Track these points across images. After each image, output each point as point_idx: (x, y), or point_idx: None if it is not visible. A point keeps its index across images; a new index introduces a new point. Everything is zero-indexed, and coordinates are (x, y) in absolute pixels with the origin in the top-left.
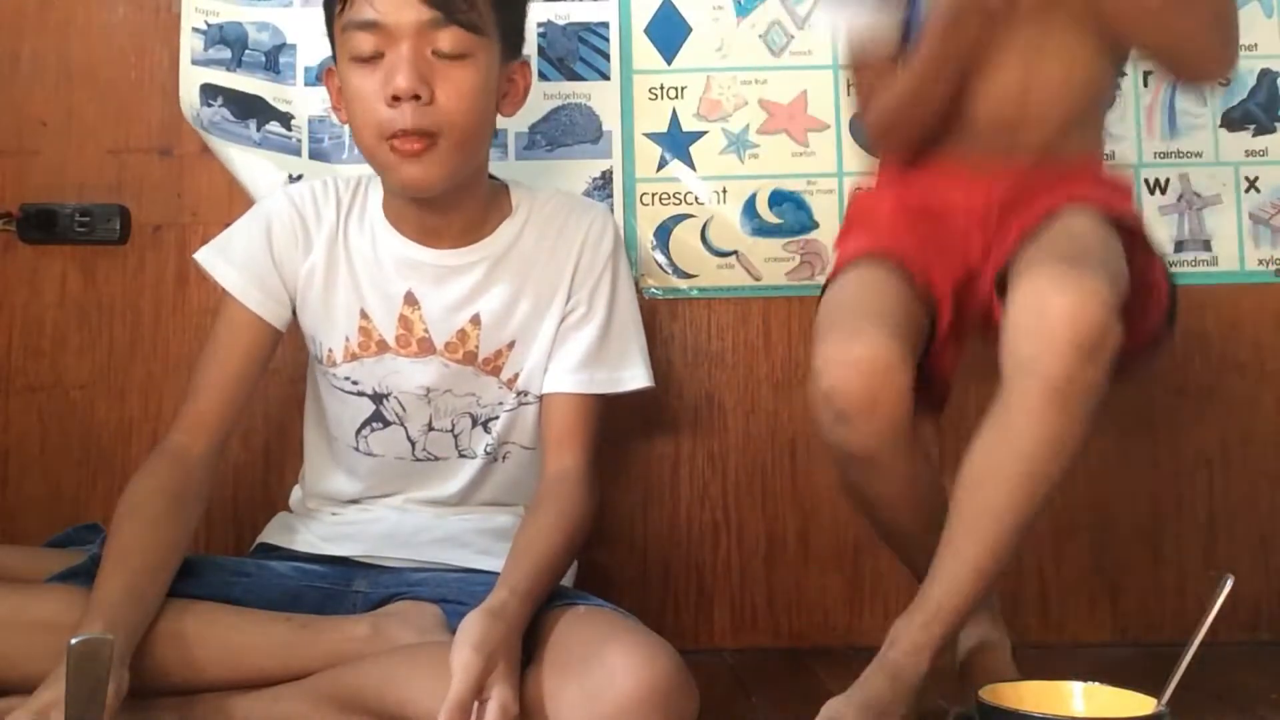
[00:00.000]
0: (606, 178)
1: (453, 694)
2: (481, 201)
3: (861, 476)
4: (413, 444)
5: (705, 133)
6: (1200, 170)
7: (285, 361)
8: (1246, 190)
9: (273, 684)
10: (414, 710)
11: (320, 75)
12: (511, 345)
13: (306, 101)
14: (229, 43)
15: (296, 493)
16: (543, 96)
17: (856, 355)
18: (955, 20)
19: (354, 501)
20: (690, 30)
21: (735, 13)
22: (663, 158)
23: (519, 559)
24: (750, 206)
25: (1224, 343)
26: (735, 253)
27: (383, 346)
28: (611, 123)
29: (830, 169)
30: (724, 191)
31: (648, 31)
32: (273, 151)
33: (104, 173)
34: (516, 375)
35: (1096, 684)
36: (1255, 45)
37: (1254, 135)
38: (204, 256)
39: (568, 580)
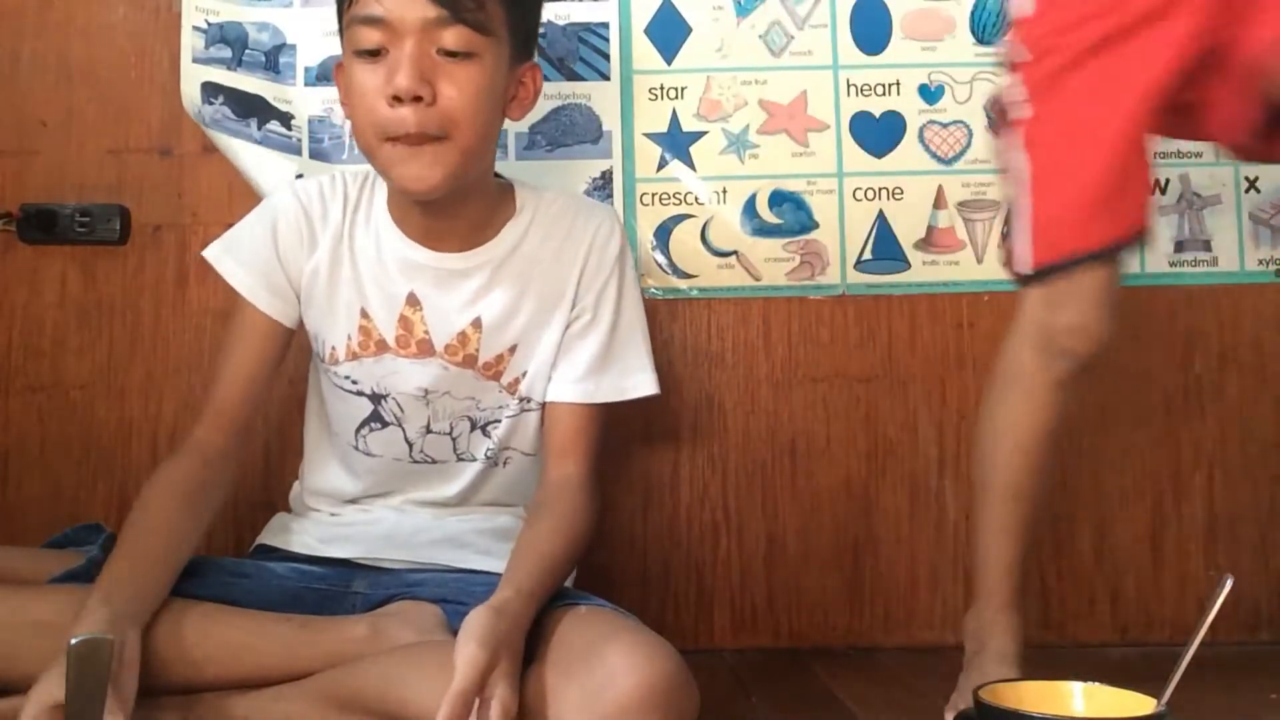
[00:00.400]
0: (606, 178)
1: (455, 687)
2: (486, 204)
3: (1049, 393)
4: (410, 445)
5: (705, 133)
6: (1200, 170)
7: (286, 362)
8: (1246, 190)
9: (272, 684)
10: (414, 710)
11: (322, 74)
12: (513, 349)
13: (306, 101)
14: (229, 42)
15: (296, 489)
16: (543, 96)
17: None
18: None
19: (353, 501)
20: (690, 30)
21: (735, 13)
22: (663, 158)
23: (522, 559)
24: (750, 206)
25: (1224, 343)
26: (735, 253)
27: (382, 346)
28: (611, 123)
29: (830, 169)
30: (724, 191)
31: (648, 32)
32: (273, 151)
33: (104, 173)
34: (518, 380)
35: (1096, 684)
36: None
37: None
38: (213, 254)
39: (568, 581)
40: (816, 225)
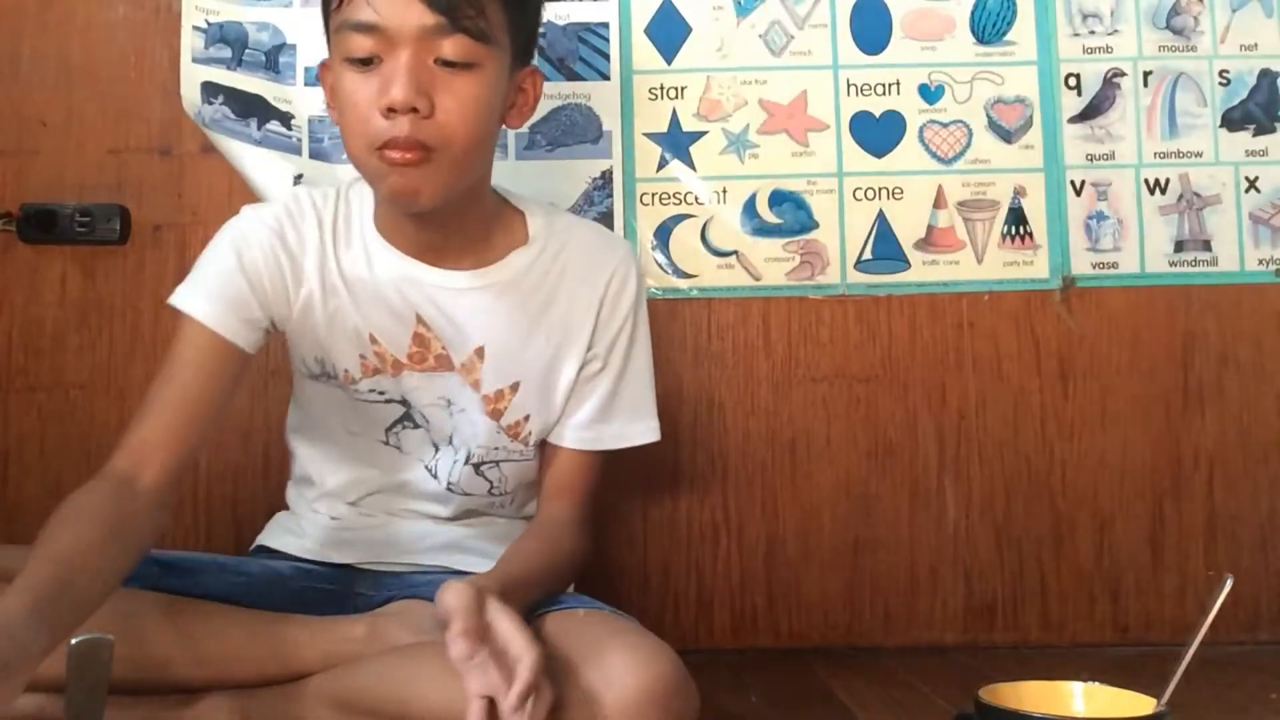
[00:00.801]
0: (606, 178)
1: (455, 627)
2: (485, 219)
3: None
4: (436, 447)
5: (705, 133)
6: (1200, 170)
7: (285, 361)
8: (1246, 190)
9: (271, 683)
10: (415, 710)
11: (319, 74)
12: (515, 387)
13: (306, 101)
14: (229, 42)
15: (292, 490)
16: (543, 96)
17: None
18: None
19: (353, 504)
20: (690, 30)
21: (735, 13)
22: (663, 158)
23: (504, 565)
24: (750, 206)
25: (1224, 343)
26: (735, 253)
27: (399, 366)
28: (611, 123)
29: (830, 169)
30: (724, 191)
31: (648, 31)
32: (273, 151)
33: (104, 173)
34: (519, 424)
35: (1096, 684)
36: (1255, 45)
37: (1254, 135)
38: (182, 301)
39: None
40: (816, 225)
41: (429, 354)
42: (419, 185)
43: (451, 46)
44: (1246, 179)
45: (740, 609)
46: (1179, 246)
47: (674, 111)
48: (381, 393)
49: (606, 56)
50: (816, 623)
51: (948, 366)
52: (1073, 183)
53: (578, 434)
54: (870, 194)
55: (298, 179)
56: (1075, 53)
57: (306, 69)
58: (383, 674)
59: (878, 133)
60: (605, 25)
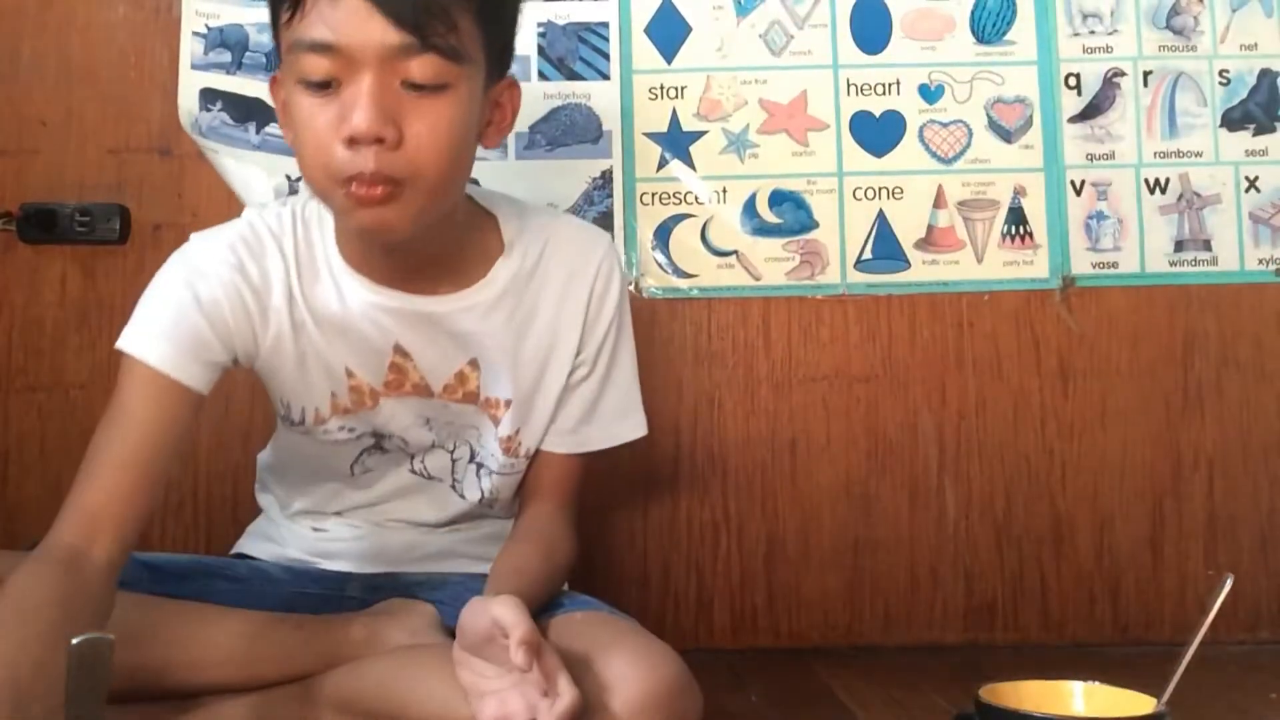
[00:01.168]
0: (606, 178)
1: (517, 635)
2: (459, 238)
3: None
4: (411, 458)
5: (705, 133)
6: (1200, 170)
7: None
8: (1246, 190)
9: (269, 686)
10: (414, 713)
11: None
12: (509, 403)
13: None
14: (229, 45)
15: (264, 497)
16: (543, 96)
17: None
18: None
19: (337, 514)
20: (690, 30)
21: (735, 13)
22: (663, 157)
23: (500, 578)
24: (750, 206)
25: (1224, 343)
26: (735, 252)
27: (375, 396)
28: (611, 123)
29: (830, 169)
30: (724, 191)
31: (648, 31)
32: (272, 154)
33: (104, 172)
34: (514, 437)
35: (1096, 684)
36: (1255, 45)
37: (1254, 135)
38: (132, 344)
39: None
40: (816, 225)
41: (406, 381)
42: (390, 221)
43: (420, 68)
44: (1246, 179)
45: (740, 609)
46: (1179, 246)
47: (674, 111)
48: (351, 429)
49: (606, 56)
50: (816, 622)
51: (948, 366)
52: (1073, 182)
53: (564, 439)
54: (870, 194)
55: (294, 187)
56: (1075, 52)
57: None
58: (383, 677)
59: (878, 132)
60: (605, 25)
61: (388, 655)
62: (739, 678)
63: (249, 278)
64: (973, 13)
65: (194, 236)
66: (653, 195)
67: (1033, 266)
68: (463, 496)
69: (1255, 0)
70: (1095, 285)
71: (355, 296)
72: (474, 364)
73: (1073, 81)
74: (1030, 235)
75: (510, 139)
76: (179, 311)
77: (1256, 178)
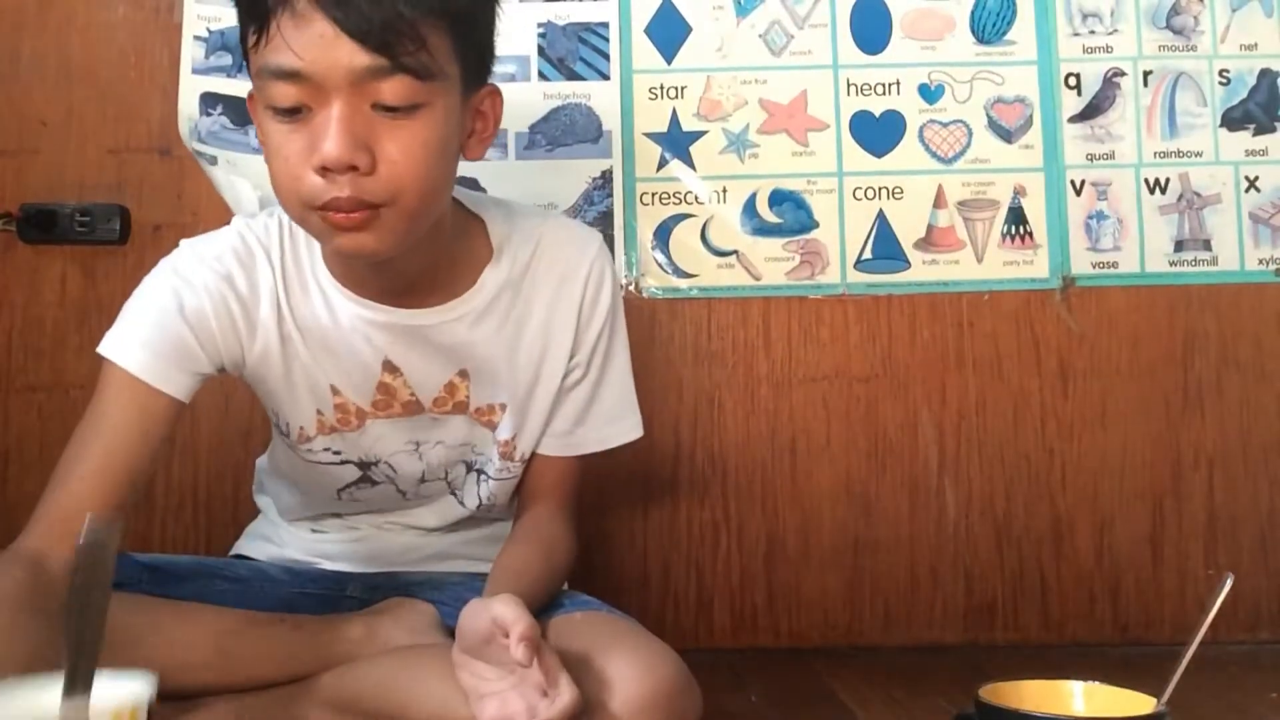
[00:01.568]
0: (606, 178)
1: (518, 630)
2: (446, 245)
3: None
4: (403, 494)
5: (705, 133)
6: (1200, 170)
7: None
8: (1246, 190)
9: (270, 686)
10: (414, 713)
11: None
12: (504, 406)
13: None
14: (231, 48)
15: (262, 499)
16: (543, 96)
17: None
18: None
19: (336, 516)
20: (690, 30)
21: (735, 13)
22: (663, 158)
23: (499, 580)
24: (750, 206)
25: (1224, 343)
26: (735, 252)
27: (363, 416)
28: (611, 123)
29: (830, 169)
30: (724, 191)
31: (648, 31)
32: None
33: (104, 173)
34: (511, 441)
35: (1096, 684)
36: (1255, 45)
37: (1254, 135)
38: (113, 350)
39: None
40: (816, 225)
41: (394, 401)
42: (370, 246)
43: (391, 89)
44: (1246, 179)
45: (740, 608)
46: (1179, 246)
47: (674, 111)
48: (337, 453)
49: (606, 56)
50: (816, 622)
51: (948, 366)
52: (1073, 182)
53: (559, 441)
54: (870, 194)
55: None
56: (1075, 52)
57: None
58: (383, 677)
59: (878, 132)
60: (605, 25)
61: (387, 655)
62: (739, 678)
63: (237, 288)
64: (973, 13)
65: (183, 243)
66: (653, 195)
67: (1033, 266)
68: (462, 504)
69: (1255, 0)
70: (1095, 285)
71: (344, 311)
72: (464, 374)
73: (1073, 81)
74: (1030, 235)
75: (510, 139)
76: (162, 319)
77: (1256, 178)
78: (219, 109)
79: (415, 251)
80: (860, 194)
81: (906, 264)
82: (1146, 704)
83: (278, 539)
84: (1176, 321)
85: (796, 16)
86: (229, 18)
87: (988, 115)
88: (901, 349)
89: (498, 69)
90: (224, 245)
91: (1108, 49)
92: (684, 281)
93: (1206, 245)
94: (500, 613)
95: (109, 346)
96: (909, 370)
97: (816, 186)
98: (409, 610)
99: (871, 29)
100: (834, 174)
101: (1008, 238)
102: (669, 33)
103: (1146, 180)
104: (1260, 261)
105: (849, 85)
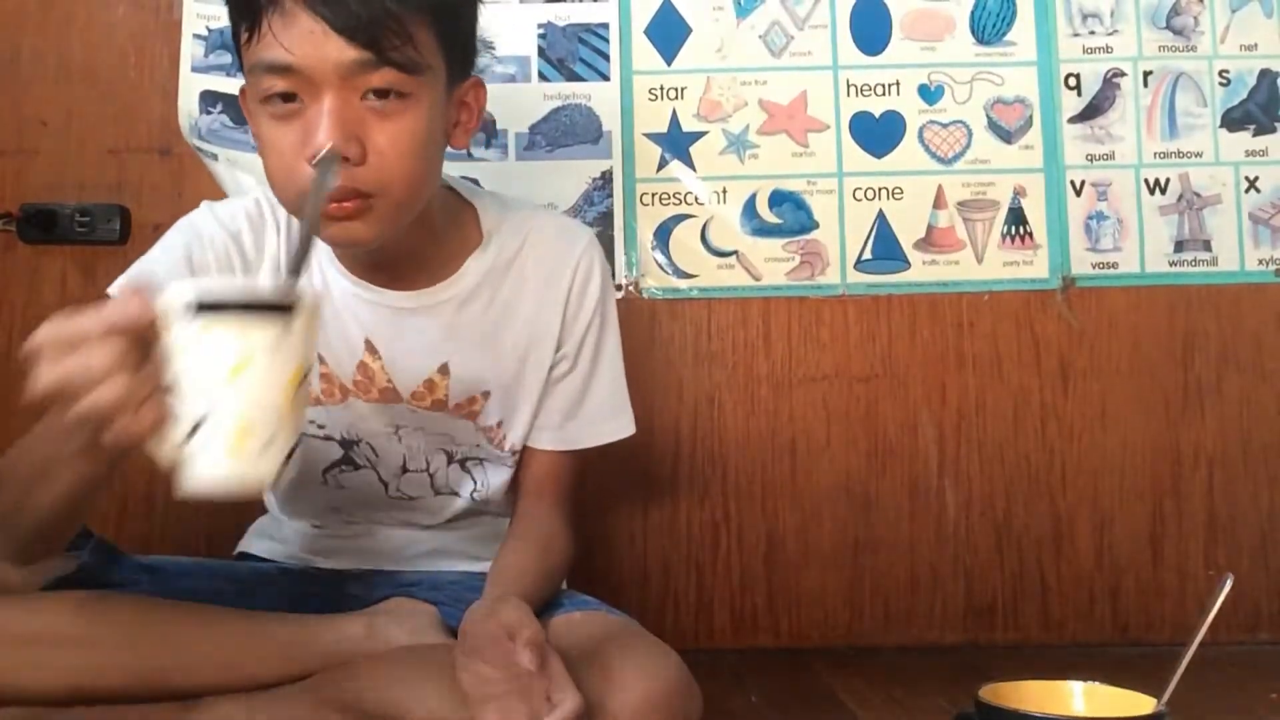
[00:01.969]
0: (606, 178)
1: (526, 634)
2: (435, 230)
3: None
4: (385, 485)
5: (705, 133)
6: (1200, 170)
7: None
8: (1246, 190)
9: (270, 685)
10: (415, 714)
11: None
12: (486, 394)
13: None
14: (230, 47)
15: (269, 496)
16: (543, 97)
17: None
18: None
19: (335, 510)
20: (690, 31)
21: (735, 13)
22: (663, 158)
23: (499, 580)
24: (750, 206)
25: (1224, 343)
26: (735, 253)
27: (345, 392)
28: (611, 123)
29: (830, 169)
30: (724, 191)
31: (648, 32)
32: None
33: (104, 173)
34: (497, 428)
35: (1096, 684)
36: (1255, 45)
37: (1254, 135)
38: (116, 290)
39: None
40: (816, 225)
41: (373, 386)
42: (360, 234)
43: (379, 81)
44: (1246, 179)
45: (740, 609)
46: (1179, 246)
47: (674, 112)
48: (321, 426)
49: (606, 57)
50: (816, 622)
51: (948, 366)
52: (1073, 183)
53: (551, 435)
54: (870, 194)
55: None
56: (1075, 53)
57: None
58: (383, 679)
59: (878, 133)
60: (605, 26)
61: (390, 656)
62: (739, 678)
63: (243, 247)
64: (973, 13)
65: (204, 204)
66: (653, 196)
67: (1033, 267)
68: (456, 494)
69: (1255, 0)
70: (1095, 285)
71: (336, 286)
72: (444, 370)
73: (1073, 82)
74: (1030, 235)
75: (510, 140)
76: (169, 267)
77: (1256, 178)
78: (219, 107)
79: (404, 234)
80: (860, 194)
81: (906, 264)
82: (1146, 704)
83: (280, 535)
84: (1176, 322)
85: (796, 17)
86: (228, 16)
87: (987, 116)
88: (901, 349)
89: (498, 69)
90: (239, 207)
91: (1107, 49)
92: (684, 282)
93: (1206, 246)
94: (509, 617)
95: (114, 287)
96: (909, 370)
97: (816, 187)
98: (410, 610)
99: (871, 30)
100: (834, 174)
101: (1008, 238)
102: (669, 34)
103: (1146, 181)
104: (1260, 262)
105: (849, 86)
